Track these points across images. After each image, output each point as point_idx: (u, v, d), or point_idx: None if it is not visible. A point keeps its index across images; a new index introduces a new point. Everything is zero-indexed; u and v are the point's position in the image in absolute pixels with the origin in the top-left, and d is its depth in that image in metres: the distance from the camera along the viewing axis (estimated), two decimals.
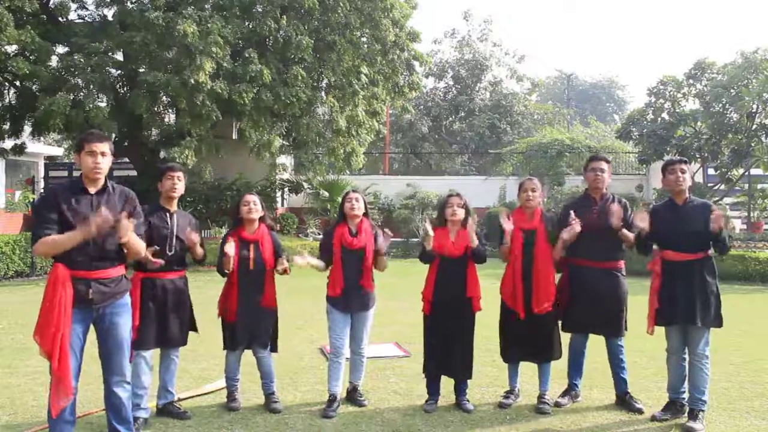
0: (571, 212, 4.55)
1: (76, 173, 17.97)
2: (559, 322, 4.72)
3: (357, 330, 4.69)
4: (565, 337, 4.80)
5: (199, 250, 4.45)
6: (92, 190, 3.50)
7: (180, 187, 4.40)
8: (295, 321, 7.46)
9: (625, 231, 4.55)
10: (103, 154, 3.47)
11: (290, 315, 6.98)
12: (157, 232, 4.26)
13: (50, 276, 3.40)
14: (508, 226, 4.56)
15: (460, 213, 4.59)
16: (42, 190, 17.52)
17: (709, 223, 4.25)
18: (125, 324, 3.58)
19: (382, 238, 4.65)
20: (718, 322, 4.31)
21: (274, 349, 4.67)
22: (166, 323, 4.28)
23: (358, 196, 4.71)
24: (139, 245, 3.58)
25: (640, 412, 4.52)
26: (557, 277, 4.71)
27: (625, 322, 4.67)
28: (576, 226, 4.46)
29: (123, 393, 3.57)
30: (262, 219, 4.60)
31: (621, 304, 4.63)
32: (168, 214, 4.38)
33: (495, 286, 4.72)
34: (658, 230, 4.40)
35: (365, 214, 4.72)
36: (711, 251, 4.39)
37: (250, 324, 4.51)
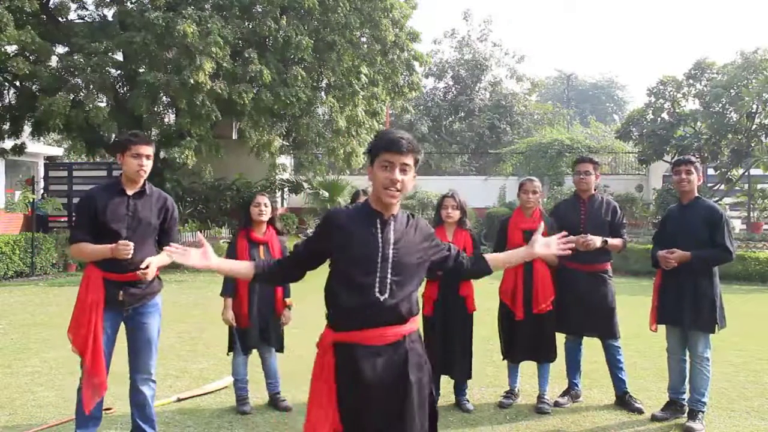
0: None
1: (76, 173, 18.11)
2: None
3: None
4: (560, 338, 4.80)
5: None
6: (130, 191, 3.56)
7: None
8: (295, 321, 7.44)
9: (612, 243, 4.55)
10: (148, 157, 3.55)
11: None
12: None
13: (83, 277, 3.50)
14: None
15: (455, 214, 4.61)
16: (42, 190, 17.51)
17: (712, 228, 4.23)
18: (154, 324, 3.64)
19: None
20: (712, 327, 4.24)
21: (280, 349, 4.65)
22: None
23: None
24: (167, 261, 3.57)
25: (639, 411, 4.52)
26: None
27: (617, 323, 4.66)
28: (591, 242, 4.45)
29: (148, 391, 3.64)
30: (270, 221, 4.59)
31: (609, 305, 4.63)
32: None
33: (493, 287, 4.72)
34: (667, 232, 4.40)
35: None
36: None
37: (263, 327, 4.50)
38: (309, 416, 2.32)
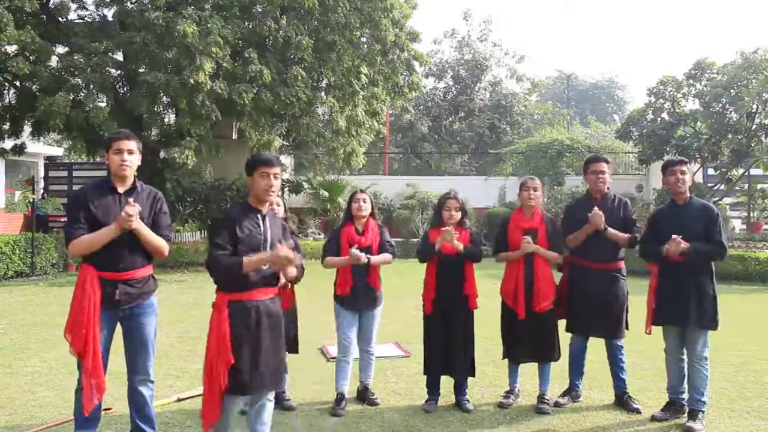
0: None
1: (76, 173, 18.11)
2: (559, 323, 4.72)
3: (366, 329, 4.70)
4: (565, 338, 4.80)
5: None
6: (121, 189, 3.55)
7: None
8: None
9: (613, 231, 4.55)
10: (129, 151, 3.53)
11: None
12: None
13: (79, 277, 3.48)
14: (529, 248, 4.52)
15: (457, 216, 4.62)
16: (42, 190, 17.51)
17: (708, 225, 4.25)
18: (150, 324, 3.64)
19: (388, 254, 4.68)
20: (714, 325, 4.28)
21: (294, 350, 4.54)
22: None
23: (365, 197, 4.74)
24: (155, 240, 3.55)
25: (637, 412, 4.52)
26: (556, 277, 4.71)
27: (626, 323, 4.67)
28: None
29: (146, 392, 3.64)
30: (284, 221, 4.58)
31: (621, 305, 4.62)
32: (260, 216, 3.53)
33: (495, 286, 4.72)
34: (660, 231, 4.40)
35: (372, 215, 4.75)
36: None
37: None
38: (207, 357, 3.21)
